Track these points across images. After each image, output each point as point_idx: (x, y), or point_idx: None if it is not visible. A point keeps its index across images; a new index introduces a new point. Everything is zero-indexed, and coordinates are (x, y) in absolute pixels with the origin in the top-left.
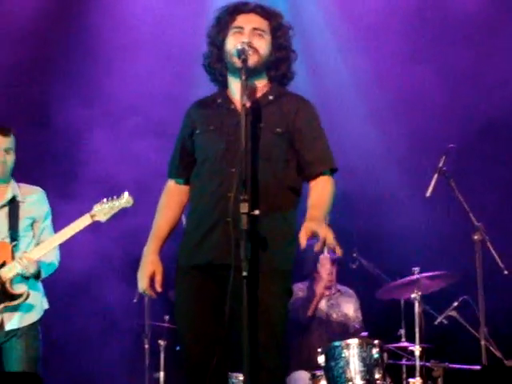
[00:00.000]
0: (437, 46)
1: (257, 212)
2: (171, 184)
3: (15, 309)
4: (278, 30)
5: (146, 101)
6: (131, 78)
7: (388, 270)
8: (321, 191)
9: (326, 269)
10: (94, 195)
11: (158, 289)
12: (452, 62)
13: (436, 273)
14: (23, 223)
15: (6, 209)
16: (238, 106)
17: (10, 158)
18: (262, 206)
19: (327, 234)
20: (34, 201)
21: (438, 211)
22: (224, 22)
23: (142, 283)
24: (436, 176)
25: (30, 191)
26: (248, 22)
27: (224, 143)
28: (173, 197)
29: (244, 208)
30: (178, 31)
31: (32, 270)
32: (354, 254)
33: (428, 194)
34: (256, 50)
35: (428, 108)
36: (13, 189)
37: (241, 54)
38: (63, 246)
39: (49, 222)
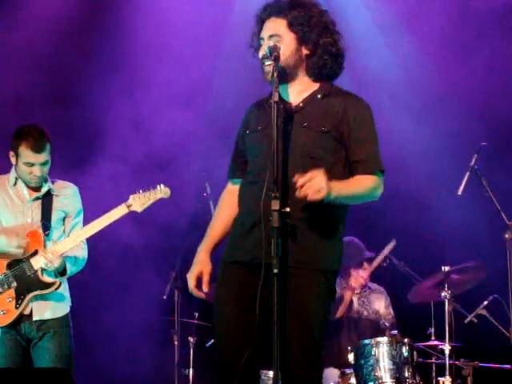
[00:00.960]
0: (473, 41)
1: (287, 209)
2: (229, 185)
3: (46, 298)
4: (296, 24)
5: (168, 80)
6: (154, 61)
7: (418, 269)
8: (359, 180)
9: (359, 274)
10: (111, 168)
11: (205, 289)
12: (487, 58)
13: (466, 264)
14: (56, 215)
15: (40, 201)
16: (287, 105)
17: (46, 169)
18: (306, 203)
19: (314, 181)
20: (68, 195)
21: (469, 210)
22: (255, 33)
23: (189, 283)
24: (468, 174)
25: (64, 186)
26: (265, 30)
27: (268, 142)
28: (229, 198)
29: (275, 205)
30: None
31: (56, 264)
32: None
33: (459, 192)
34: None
35: (462, 105)
36: (48, 183)
37: (272, 51)
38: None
39: (80, 218)
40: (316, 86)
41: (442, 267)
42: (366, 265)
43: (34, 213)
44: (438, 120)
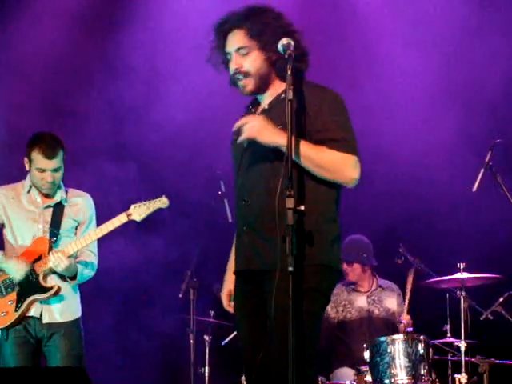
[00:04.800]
0: (487, 35)
1: (302, 207)
2: None
3: (56, 302)
4: (255, 34)
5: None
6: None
7: (434, 266)
8: (328, 151)
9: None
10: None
11: None
12: (501, 54)
13: (481, 275)
14: (66, 223)
15: (51, 209)
16: (257, 110)
17: (59, 176)
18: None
19: (248, 125)
20: (80, 204)
21: (484, 206)
22: (216, 47)
23: (223, 301)
24: (482, 171)
25: (77, 195)
26: (231, 44)
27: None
28: None
29: (290, 203)
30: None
31: (64, 265)
32: (400, 249)
33: (474, 189)
34: (246, 74)
35: (476, 102)
36: (61, 193)
37: (286, 49)
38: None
39: (93, 227)
40: (283, 86)
41: (458, 264)
42: (344, 265)
43: (44, 222)
44: (451, 116)
